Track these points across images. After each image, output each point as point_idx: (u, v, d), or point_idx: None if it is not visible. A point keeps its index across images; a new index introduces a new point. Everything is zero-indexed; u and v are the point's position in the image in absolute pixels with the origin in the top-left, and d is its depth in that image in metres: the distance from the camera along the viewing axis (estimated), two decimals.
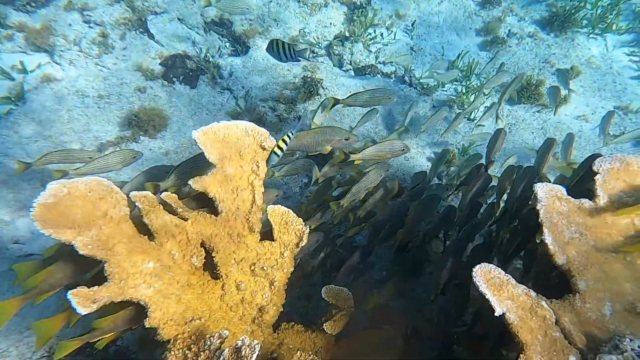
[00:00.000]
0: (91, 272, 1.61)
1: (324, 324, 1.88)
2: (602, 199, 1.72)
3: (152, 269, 1.53)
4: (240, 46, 4.69)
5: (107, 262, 1.35)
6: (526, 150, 3.70)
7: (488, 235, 2.72)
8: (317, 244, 2.55)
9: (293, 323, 1.98)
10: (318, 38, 4.82)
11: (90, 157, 2.28)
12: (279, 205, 2.03)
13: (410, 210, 2.57)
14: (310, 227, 2.60)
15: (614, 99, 4.59)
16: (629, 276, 1.63)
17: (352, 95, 2.82)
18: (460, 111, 4.17)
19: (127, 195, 1.55)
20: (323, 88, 4.12)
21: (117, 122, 3.87)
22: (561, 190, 1.70)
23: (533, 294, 1.43)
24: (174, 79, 4.33)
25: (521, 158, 3.73)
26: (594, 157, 2.14)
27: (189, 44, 4.58)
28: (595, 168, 1.77)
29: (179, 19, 4.62)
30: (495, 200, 2.62)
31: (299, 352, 1.75)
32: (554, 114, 4.27)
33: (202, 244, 1.80)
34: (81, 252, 1.28)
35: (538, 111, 4.33)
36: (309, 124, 3.34)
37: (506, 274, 1.44)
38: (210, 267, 1.83)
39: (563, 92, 3.85)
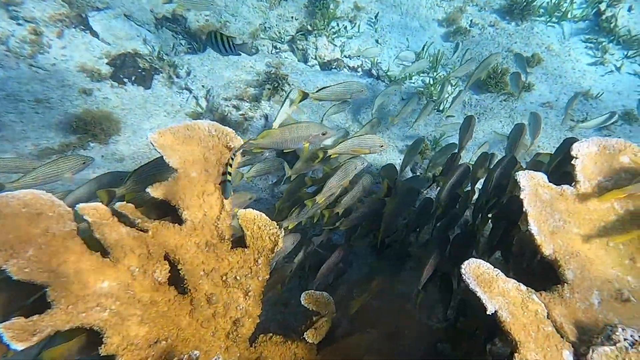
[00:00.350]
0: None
1: (305, 333, 1.76)
2: (582, 185, 1.68)
3: (107, 289, 1.36)
4: (197, 43, 4.48)
5: (50, 286, 1.17)
6: (497, 137, 3.71)
7: (465, 225, 2.68)
8: (293, 246, 2.42)
9: (271, 334, 1.85)
10: (280, 33, 4.68)
11: (33, 167, 2.04)
12: (251, 209, 1.89)
13: (387, 205, 2.48)
14: (287, 227, 2.47)
15: (574, 85, 4.69)
16: (612, 262, 1.60)
17: (322, 89, 2.70)
18: (428, 100, 4.14)
19: (74, 207, 1.37)
20: (289, 84, 3.98)
21: (60, 128, 3.52)
22: (543, 177, 1.65)
23: (523, 288, 1.37)
24: (125, 80, 4.03)
25: (492, 146, 3.72)
26: (570, 140, 2.12)
27: (139, 42, 4.29)
28: (573, 153, 1.73)
29: (125, 15, 4.32)
30: (470, 189, 2.57)
31: None
32: (517, 99, 4.31)
33: (166, 257, 1.64)
34: (16, 278, 1.10)
35: (505, 100, 4.36)
36: (271, 122, 3.19)
37: (495, 269, 1.36)
38: (177, 281, 1.67)
39: (523, 77, 3.88)
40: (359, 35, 4.91)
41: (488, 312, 1.25)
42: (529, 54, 4.94)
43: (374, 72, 4.48)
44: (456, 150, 2.79)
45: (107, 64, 4.04)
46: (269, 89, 3.86)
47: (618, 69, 5.08)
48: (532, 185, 1.60)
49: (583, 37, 5.37)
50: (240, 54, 2.56)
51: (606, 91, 4.67)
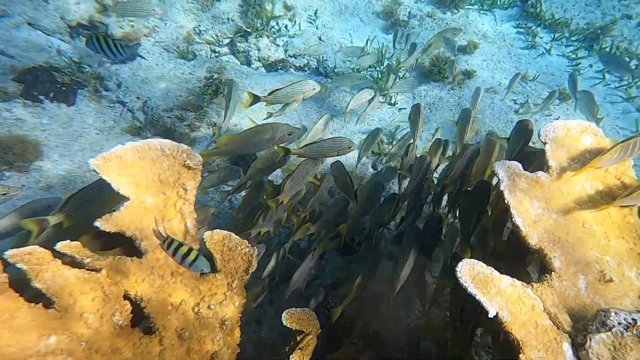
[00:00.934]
0: None
1: (291, 356, 1.63)
2: (554, 170, 1.68)
3: (54, 345, 1.16)
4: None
5: None
6: (448, 122, 3.75)
7: (431, 218, 2.65)
8: (259, 258, 2.27)
9: None
10: (217, 36, 4.43)
11: None
12: (218, 230, 1.73)
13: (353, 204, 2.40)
14: (259, 234, 2.31)
15: (512, 69, 4.88)
16: (590, 244, 1.61)
17: (274, 91, 2.57)
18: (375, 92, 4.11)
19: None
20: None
21: None
22: (518, 166, 1.63)
23: (518, 283, 1.32)
24: (41, 97, 3.57)
25: (444, 131, 3.76)
26: (524, 123, 2.12)
27: (51, 54, 3.81)
28: (542, 138, 1.73)
29: (29, 24, 3.83)
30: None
31: None
32: (461, 86, 4.41)
33: (126, 296, 1.45)
34: None
35: (452, 88, 4.43)
36: (222, 127, 3.00)
37: (488, 267, 1.31)
38: (142, 321, 1.48)
39: (453, 59, 3.97)
40: (301, 33, 4.79)
41: (490, 316, 1.19)
42: (466, 42, 5.07)
43: (321, 69, 4.38)
44: (411, 141, 2.76)
45: (13, 80, 3.53)
46: (210, 93, 3.61)
47: (548, 51, 5.35)
48: (509, 175, 1.57)
49: (514, 22, 5.62)
50: (135, 58, 2.37)
51: (541, 73, 4.91)
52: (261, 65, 4.36)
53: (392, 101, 4.22)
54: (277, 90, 2.60)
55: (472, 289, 1.21)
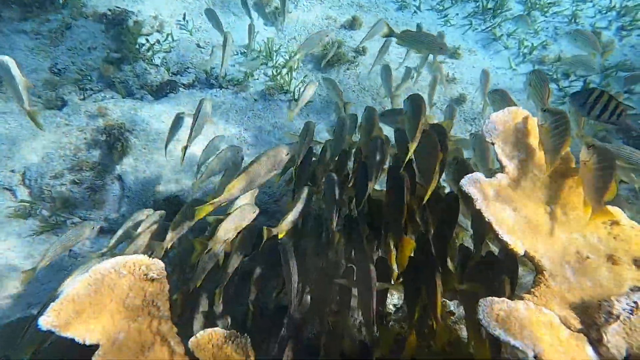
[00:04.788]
0: None
1: None
2: (509, 167, 1.72)
3: None
4: None
5: None
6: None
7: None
8: None
9: None
10: (82, 71, 3.80)
11: None
12: (200, 332, 1.50)
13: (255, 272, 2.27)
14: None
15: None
16: (557, 227, 1.70)
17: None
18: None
19: None
20: (130, 131, 3.29)
21: None
22: (481, 176, 1.63)
23: (531, 305, 1.34)
24: None
25: None
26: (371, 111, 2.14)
27: None
28: (489, 139, 1.76)
29: None
30: None
31: None
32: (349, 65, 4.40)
33: None
34: None
35: (347, 68, 4.40)
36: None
37: (501, 299, 1.30)
38: None
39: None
40: (177, 44, 4.32)
41: (530, 357, 1.19)
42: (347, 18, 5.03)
43: (213, 81, 4.02)
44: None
45: None
46: (119, 149, 3.14)
47: (418, 7, 5.57)
48: (479, 190, 1.57)
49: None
50: None
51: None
52: (146, 92, 3.86)
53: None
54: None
55: (504, 336, 1.19)
